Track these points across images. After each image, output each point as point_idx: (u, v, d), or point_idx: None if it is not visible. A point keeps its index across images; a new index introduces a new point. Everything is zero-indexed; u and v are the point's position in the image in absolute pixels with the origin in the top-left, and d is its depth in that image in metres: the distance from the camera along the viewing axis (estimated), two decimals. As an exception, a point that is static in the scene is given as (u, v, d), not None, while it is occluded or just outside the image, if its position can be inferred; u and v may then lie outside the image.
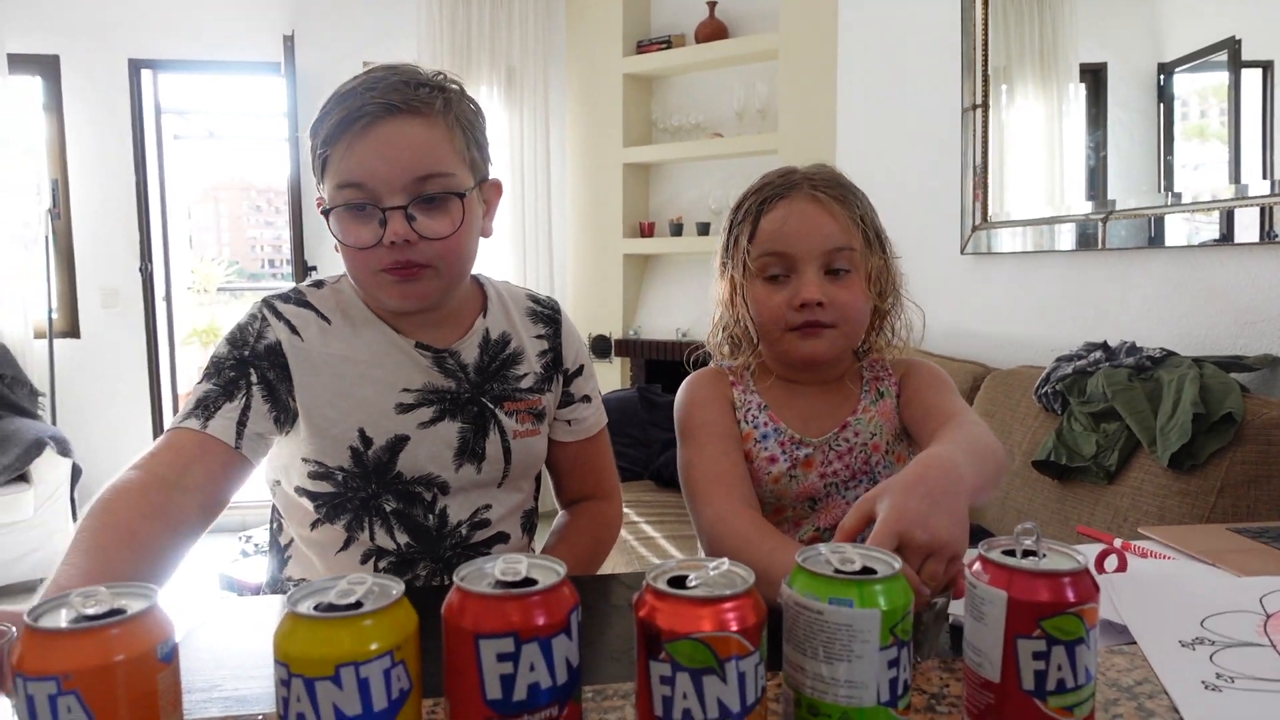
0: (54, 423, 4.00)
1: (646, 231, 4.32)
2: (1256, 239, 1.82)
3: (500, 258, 4.35)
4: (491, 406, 1.14)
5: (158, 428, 4.33)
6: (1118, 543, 1.07)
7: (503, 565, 0.53)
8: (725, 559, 0.56)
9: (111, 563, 0.85)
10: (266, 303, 1.10)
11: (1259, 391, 1.79)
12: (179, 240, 5.27)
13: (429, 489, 1.12)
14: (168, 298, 4.60)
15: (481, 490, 1.15)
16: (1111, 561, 1.04)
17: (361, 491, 1.09)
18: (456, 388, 1.13)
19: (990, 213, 2.66)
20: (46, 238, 4.07)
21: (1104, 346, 2.06)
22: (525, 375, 1.18)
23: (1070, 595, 0.56)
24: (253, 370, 1.05)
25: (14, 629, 0.59)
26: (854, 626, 0.53)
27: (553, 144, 4.46)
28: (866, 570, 0.56)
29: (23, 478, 3.56)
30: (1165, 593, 0.90)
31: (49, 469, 3.61)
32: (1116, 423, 1.87)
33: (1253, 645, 0.77)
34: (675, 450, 1.14)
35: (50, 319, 4.08)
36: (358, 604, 0.51)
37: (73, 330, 4.26)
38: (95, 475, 3.90)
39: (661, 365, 4.29)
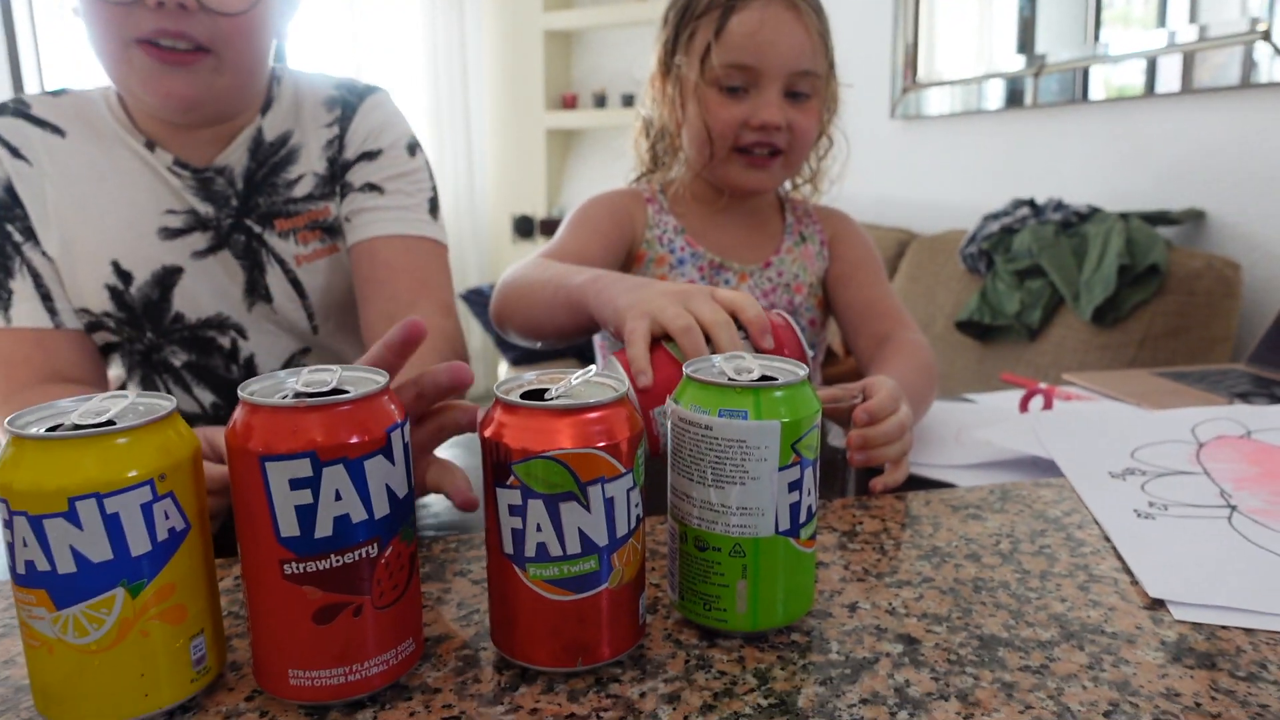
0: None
1: (569, 104, 4.09)
2: (1179, 89, 1.75)
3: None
4: (258, 229, 0.89)
5: None
6: (1043, 386, 1.01)
7: (307, 376, 0.42)
8: (592, 368, 0.46)
9: None
10: None
11: (1183, 245, 1.75)
12: None
13: (223, 333, 0.91)
14: None
15: (292, 334, 0.93)
16: (1037, 403, 0.98)
17: (138, 343, 0.89)
18: (217, 212, 0.88)
19: (920, 74, 2.55)
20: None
21: (1030, 204, 1.99)
22: (300, 179, 0.90)
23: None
24: (10, 228, 0.85)
25: None
26: (748, 443, 0.44)
27: (467, 10, 4.14)
28: (765, 379, 0.47)
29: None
30: (1094, 429, 0.84)
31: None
32: (1040, 280, 1.82)
33: (1185, 474, 0.71)
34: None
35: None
36: (108, 423, 0.39)
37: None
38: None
39: (585, 245, 4.14)
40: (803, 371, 0.47)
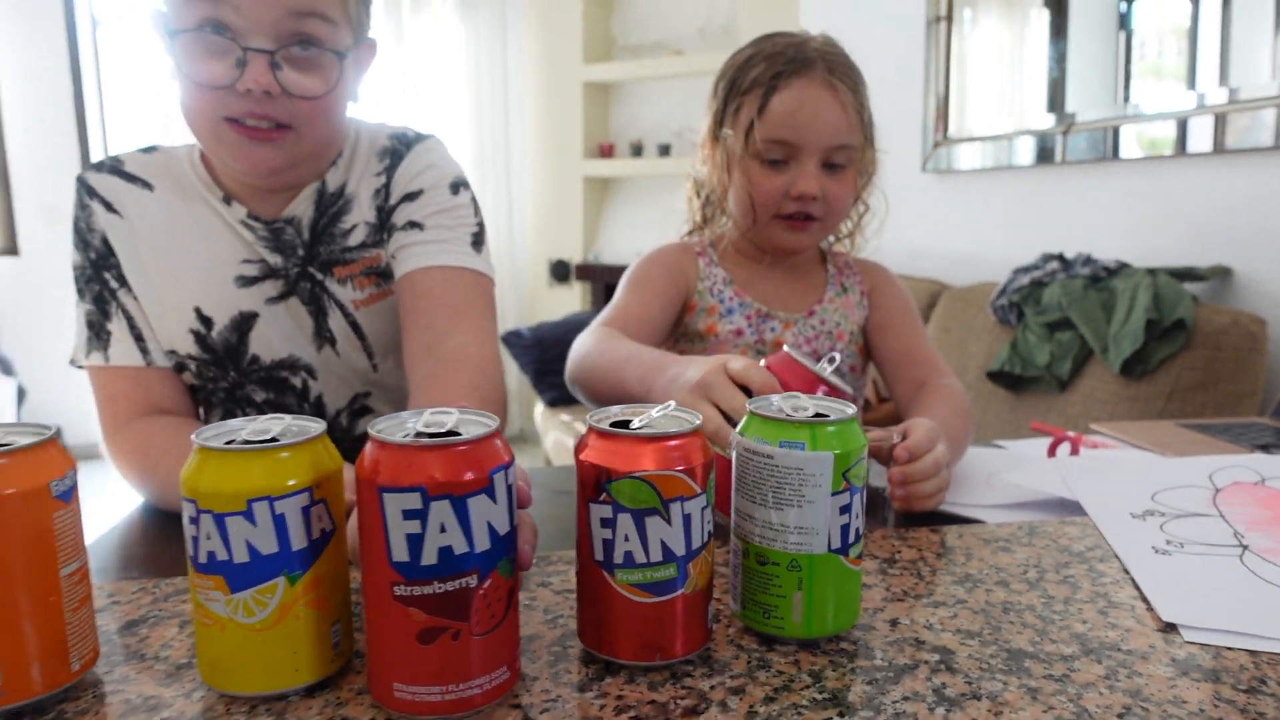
0: (-2, 343, 3.88)
1: (606, 153, 4.22)
2: (1210, 149, 1.81)
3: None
4: (320, 277, 0.95)
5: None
6: (1071, 434, 1.06)
7: (427, 417, 0.49)
8: (671, 403, 0.53)
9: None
10: (80, 180, 0.94)
11: (1209, 301, 1.80)
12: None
13: (295, 374, 0.98)
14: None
15: (355, 375, 0.99)
16: (1065, 449, 1.04)
17: (222, 381, 0.97)
18: (285, 261, 0.94)
19: (951, 129, 2.63)
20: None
21: (1060, 258, 2.06)
22: (354, 228, 0.95)
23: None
24: (107, 275, 0.93)
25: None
26: (805, 470, 0.51)
27: (510, 61, 4.32)
28: (819, 416, 0.54)
29: (-36, 400, 3.45)
30: (1118, 473, 0.90)
31: (-8, 390, 3.50)
32: (1070, 332, 1.88)
33: (1201, 516, 0.77)
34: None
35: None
36: (273, 439, 0.47)
37: (11, 248, 4.09)
38: (42, 397, 3.79)
39: (621, 289, 4.23)
40: (851, 410, 0.54)
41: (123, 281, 0.93)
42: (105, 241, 0.93)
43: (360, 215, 0.96)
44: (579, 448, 0.51)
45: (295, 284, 0.95)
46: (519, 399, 4.42)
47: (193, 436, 0.46)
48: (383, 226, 0.96)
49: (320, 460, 0.47)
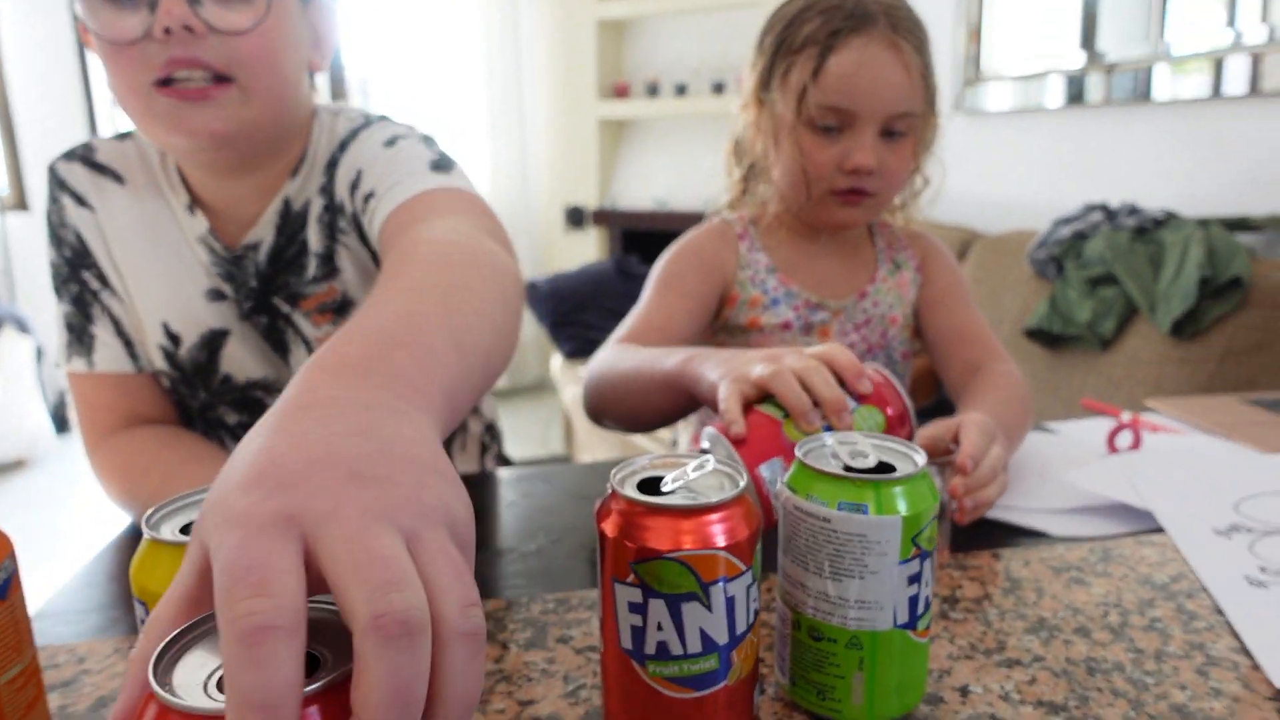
0: (12, 302, 3.83)
1: (621, 93, 4.07)
2: (1249, 90, 1.69)
3: (468, 126, 4.10)
4: (286, 309, 0.85)
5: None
6: (1126, 416, 0.98)
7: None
8: (709, 457, 0.45)
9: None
10: (50, 171, 0.86)
11: (1265, 254, 1.69)
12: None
13: (270, 395, 0.88)
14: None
15: None
16: (1124, 438, 0.96)
17: (193, 400, 0.89)
18: (235, 293, 0.85)
19: (983, 68, 2.48)
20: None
21: (1104, 208, 1.94)
22: (307, 259, 0.84)
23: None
24: (86, 275, 0.85)
25: None
26: (868, 537, 0.43)
27: (521, 0, 4.14)
28: (883, 467, 0.46)
29: (-18, 359, 3.43)
30: (1190, 473, 0.81)
31: (10, 348, 3.47)
32: (1114, 288, 1.77)
33: (1295, 532, 0.69)
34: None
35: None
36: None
37: (20, 203, 4.01)
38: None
39: (639, 236, 4.13)
40: (921, 460, 0.46)
41: (104, 282, 0.85)
42: (80, 238, 0.85)
43: (313, 242, 0.84)
44: (601, 513, 0.43)
45: (249, 316, 0.86)
46: (536, 349, 4.35)
47: (142, 522, 0.39)
48: (333, 239, 0.84)
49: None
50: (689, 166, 3.90)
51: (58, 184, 0.85)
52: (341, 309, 0.86)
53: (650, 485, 0.44)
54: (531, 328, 4.00)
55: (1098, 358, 1.79)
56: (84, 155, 0.86)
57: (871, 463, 0.46)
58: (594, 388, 0.89)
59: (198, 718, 0.26)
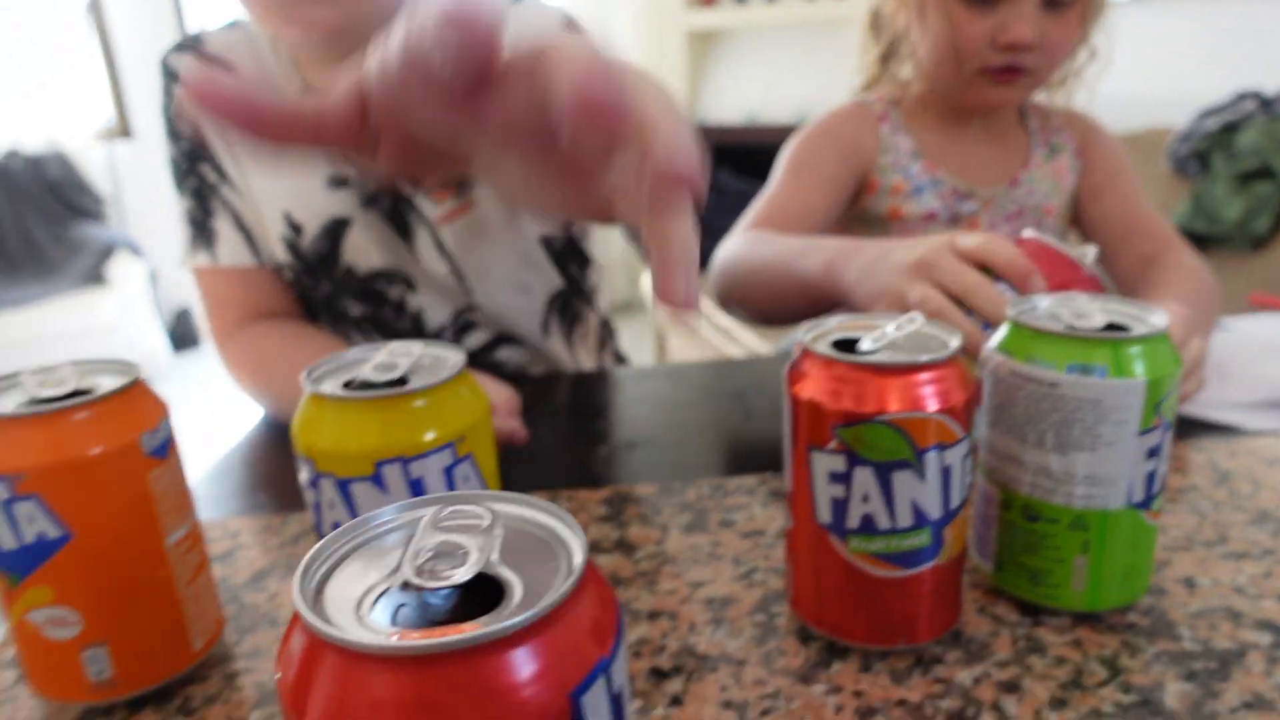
0: (124, 227, 3.97)
1: (708, 2, 3.90)
2: None
3: (550, 37, 4.00)
4: (408, 189, 0.83)
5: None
6: (1310, 311, 0.88)
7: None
8: (915, 314, 0.40)
9: None
10: (163, 64, 0.83)
11: None
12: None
13: (392, 285, 0.86)
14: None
15: (453, 292, 0.87)
16: (1313, 332, 0.86)
17: (316, 292, 0.87)
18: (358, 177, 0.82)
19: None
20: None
21: (1257, 95, 1.76)
22: None
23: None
24: (204, 168, 0.83)
25: None
26: (1104, 403, 0.38)
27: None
28: (1114, 328, 0.40)
29: (100, 283, 3.56)
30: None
31: (125, 272, 3.60)
32: (1269, 183, 1.62)
33: None
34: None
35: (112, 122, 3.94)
36: (401, 380, 0.36)
37: (124, 130, 4.11)
38: (172, 278, 3.90)
39: (728, 151, 3.96)
40: (1162, 320, 0.40)
41: (222, 175, 0.83)
42: (197, 131, 0.82)
43: None
44: (792, 376, 0.39)
45: (371, 201, 0.83)
46: (624, 268, 4.31)
47: (303, 378, 0.36)
48: None
49: (465, 404, 0.36)
50: (780, 78, 3.74)
51: (170, 76, 0.83)
52: (462, 180, 0.81)
53: (846, 346, 0.39)
54: (620, 246, 3.95)
55: (1247, 259, 1.64)
56: (194, 46, 0.83)
57: (1100, 323, 0.40)
58: (725, 277, 0.84)
59: (358, 655, 0.19)
